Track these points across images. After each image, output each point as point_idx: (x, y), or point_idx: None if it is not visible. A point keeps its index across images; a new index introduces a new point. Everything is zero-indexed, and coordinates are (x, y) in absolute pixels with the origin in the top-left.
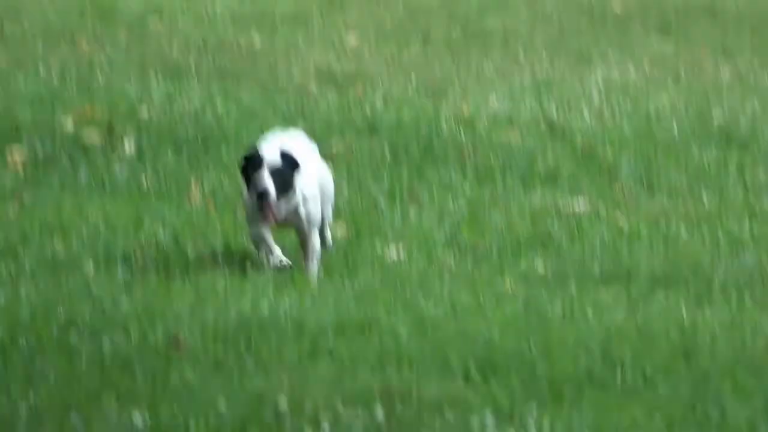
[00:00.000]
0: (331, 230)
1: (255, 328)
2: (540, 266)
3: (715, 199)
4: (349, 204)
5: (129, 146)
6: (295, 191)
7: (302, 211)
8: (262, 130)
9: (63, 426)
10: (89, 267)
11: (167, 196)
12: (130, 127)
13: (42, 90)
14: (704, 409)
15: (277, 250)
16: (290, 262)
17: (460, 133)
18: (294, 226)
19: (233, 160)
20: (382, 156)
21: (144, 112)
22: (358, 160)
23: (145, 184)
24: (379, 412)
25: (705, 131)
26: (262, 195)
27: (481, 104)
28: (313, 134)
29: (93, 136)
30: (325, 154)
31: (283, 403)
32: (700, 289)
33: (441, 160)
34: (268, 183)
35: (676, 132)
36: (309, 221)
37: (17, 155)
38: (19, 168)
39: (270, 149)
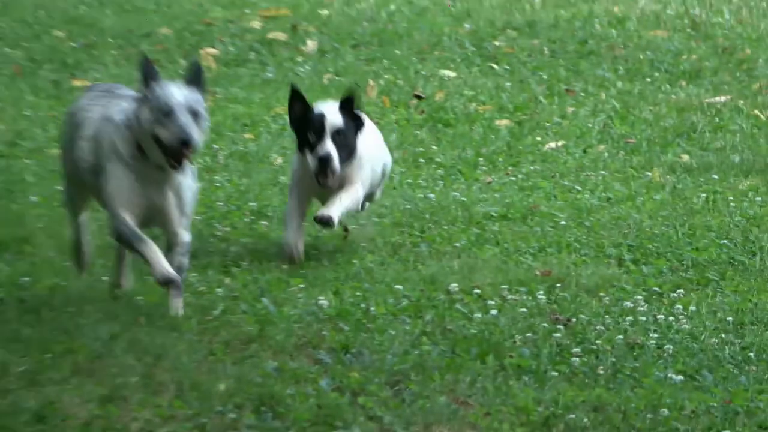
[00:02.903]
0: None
1: (428, 216)
2: (685, 157)
3: None
4: (511, 98)
5: (312, 45)
6: (356, 155)
7: (357, 173)
8: (432, 30)
9: (256, 308)
10: (276, 159)
11: None
12: (312, 26)
13: None
14: None
15: (301, 240)
16: (301, 256)
17: (611, 31)
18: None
19: (406, 57)
20: (541, 53)
21: (324, 12)
22: (519, 57)
23: (325, 80)
24: (541, 295)
25: None
26: (325, 160)
27: (631, 4)
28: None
29: (278, 35)
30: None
31: (454, 287)
32: None
33: (594, 57)
34: (331, 147)
35: None
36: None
37: (210, 54)
38: (212, 66)
39: (331, 108)
